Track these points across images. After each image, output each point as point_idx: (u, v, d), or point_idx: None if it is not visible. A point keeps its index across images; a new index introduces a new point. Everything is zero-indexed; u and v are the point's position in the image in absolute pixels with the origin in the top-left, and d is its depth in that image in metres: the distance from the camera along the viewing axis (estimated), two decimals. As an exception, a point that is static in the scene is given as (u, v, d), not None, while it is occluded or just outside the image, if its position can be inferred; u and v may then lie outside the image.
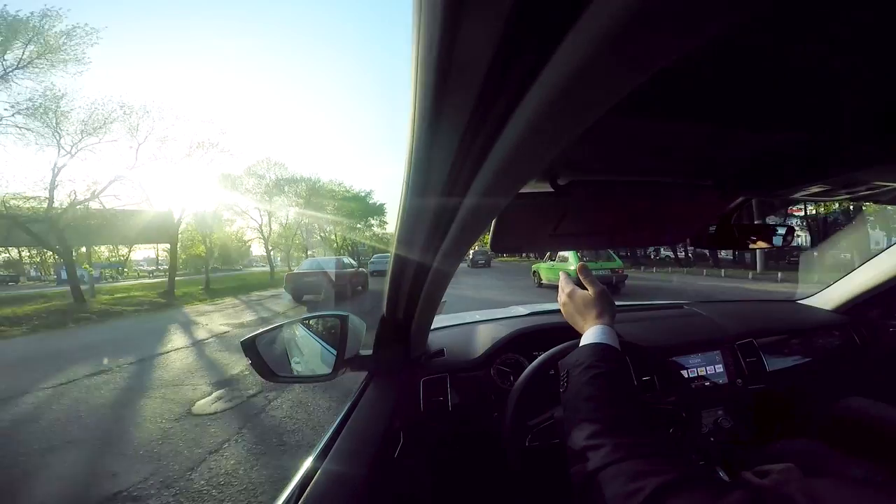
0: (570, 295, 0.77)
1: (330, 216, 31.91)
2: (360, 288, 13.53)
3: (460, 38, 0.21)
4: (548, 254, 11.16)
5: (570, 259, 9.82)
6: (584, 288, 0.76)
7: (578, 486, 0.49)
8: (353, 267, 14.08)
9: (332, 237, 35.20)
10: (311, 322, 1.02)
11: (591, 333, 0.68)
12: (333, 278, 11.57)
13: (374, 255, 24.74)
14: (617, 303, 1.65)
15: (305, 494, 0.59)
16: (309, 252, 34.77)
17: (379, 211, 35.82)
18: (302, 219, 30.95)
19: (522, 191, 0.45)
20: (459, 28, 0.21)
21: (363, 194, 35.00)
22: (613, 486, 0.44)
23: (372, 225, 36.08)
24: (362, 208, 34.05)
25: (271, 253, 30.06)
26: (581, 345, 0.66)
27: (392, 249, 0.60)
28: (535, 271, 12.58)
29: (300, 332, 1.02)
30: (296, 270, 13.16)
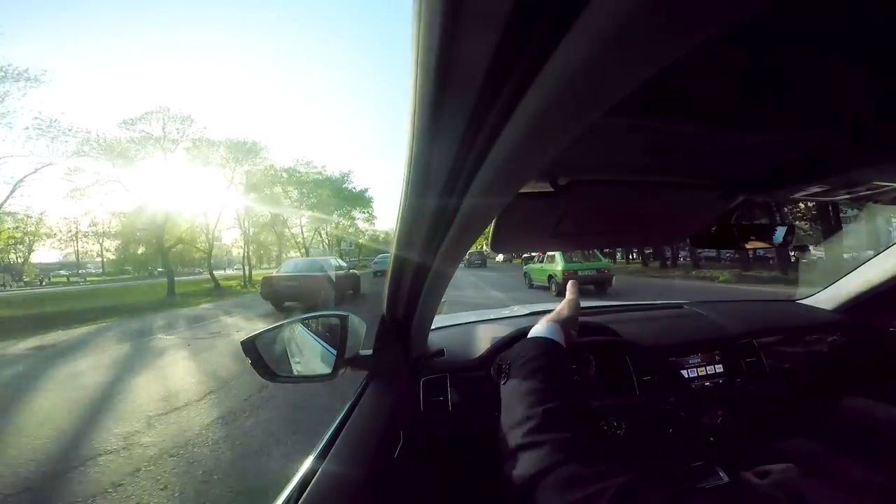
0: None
1: (300, 207, 24.90)
2: (350, 292, 12.11)
3: (460, 38, 0.21)
4: (536, 255, 11.15)
5: (557, 259, 9.90)
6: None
7: (516, 491, 0.44)
8: (343, 269, 12.47)
9: (299, 231, 27.83)
10: (311, 322, 1.02)
11: (536, 327, 0.67)
12: (319, 282, 10.22)
13: (378, 255, 22.27)
14: (616, 303, 1.64)
15: (305, 494, 0.59)
16: (291, 254, 27.40)
17: (361, 200, 28.99)
18: (242, 203, 22.60)
19: (522, 191, 0.45)
20: (459, 28, 0.21)
21: (337, 177, 27.38)
22: (563, 495, 0.39)
23: (355, 219, 29.56)
24: (338, 195, 26.93)
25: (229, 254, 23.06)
26: (526, 337, 0.66)
27: (392, 249, 0.60)
28: (525, 272, 12.60)
29: (300, 331, 1.02)
30: (275, 273, 11.38)
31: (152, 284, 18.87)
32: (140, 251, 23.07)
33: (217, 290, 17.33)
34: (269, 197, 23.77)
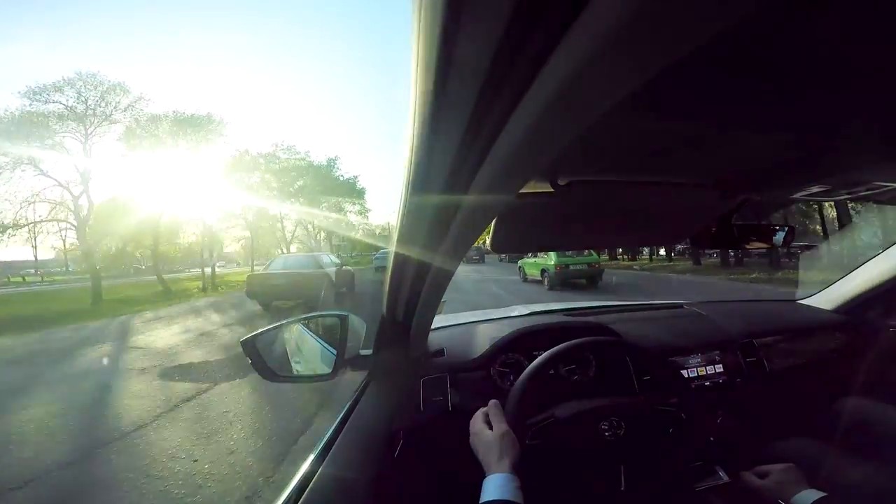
0: (476, 435, 0.75)
1: (280, 197, 21.48)
2: (344, 290, 11.05)
3: (460, 38, 0.21)
4: None
5: (550, 253, 9.96)
6: (493, 427, 0.74)
7: None
8: (335, 265, 11.19)
9: (280, 225, 24.30)
10: (310, 322, 1.03)
11: (491, 485, 0.65)
12: (310, 280, 9.23)
13: (380, 251, 20.72)
14: (616, 303, 1.65)
15: (305, 495, 0.60)
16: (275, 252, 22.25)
17: (350, 189, 25.50)
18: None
19: (522, 191, 0.45)
20: (459, 27, 0.21)
21: (323, 164, 23.93)
22: None
23: (345, 210, 25.91)
24: (324, 184, 23.58)
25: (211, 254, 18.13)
26: (482, 501, 0.64)
27: (392, 250, 0.60)
28: (520, 267, 12.86)
29: (300, 331, 1.02)
30: (263, 270, 10.31)
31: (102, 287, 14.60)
32: (114, 248, 18.14)
33: (164, 295, 14.30)
34: (242, 185, 20.36)
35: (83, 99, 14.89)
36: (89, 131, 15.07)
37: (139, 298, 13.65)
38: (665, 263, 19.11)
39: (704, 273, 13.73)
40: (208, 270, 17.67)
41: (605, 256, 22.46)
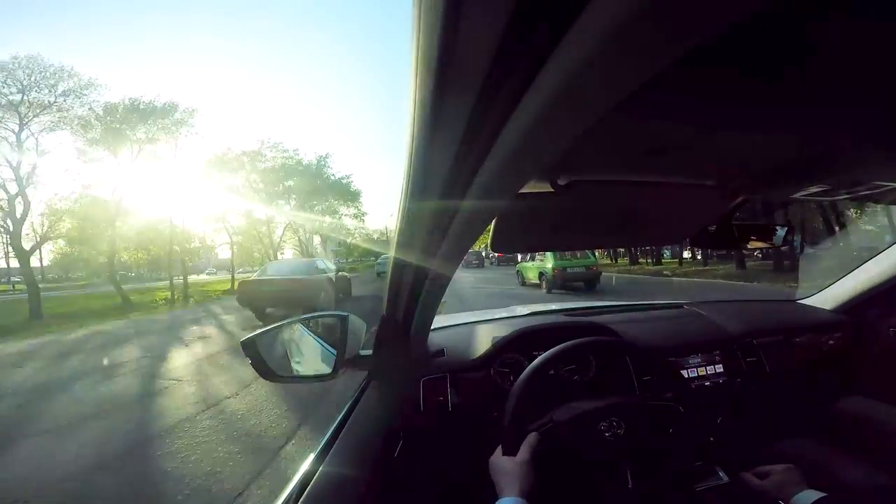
0: (495, 459, 0.76)
1: (267, 199, 20.00)
2: (340, 296, 10.62)
3: (460, 39, 0.22)
4: (529, 254, 11.16)
5: (548, 257, 10.08)
6: (512, 452, 0.74)
7: None
8: (331, 271, 10.72)
9: (267, 230, 22.10)
10: (311, 322, 1.03)
11: None
12: (306, 286, 8.64)
13: (381, 256, 20.08)
14: (616, 303, 1.65)
15: (305, 495, 0.60)
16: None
17: (343, 189, 23.65)
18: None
19: (522, 191, 0.45)
20: (459, 28, 0.21)
21: (313, 162, 22.22)
22: None
23: (339, 213, 24.11)
24: (314, 184, 21.95)
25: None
26: None
27: (392, 250, 0.60)
28: (518, 270, 12.85)
29: (300, 332, 1.02)
30: (255, 276, 9.64)
31: (60, 297, 13.54)
32: (98, 254, 15.96)
33: (117, 310, 12.40)
34: (223, 186, 18.81)
35: (17, 83, 12.70)
36: (24, 122, 12.93)
37: (84, 313, 11.52)
38: (700, 268, 15.51)
39: (766, 280, 10.47)
40: (193, 278, 15.73)
41: (624, 260, 21.10)
